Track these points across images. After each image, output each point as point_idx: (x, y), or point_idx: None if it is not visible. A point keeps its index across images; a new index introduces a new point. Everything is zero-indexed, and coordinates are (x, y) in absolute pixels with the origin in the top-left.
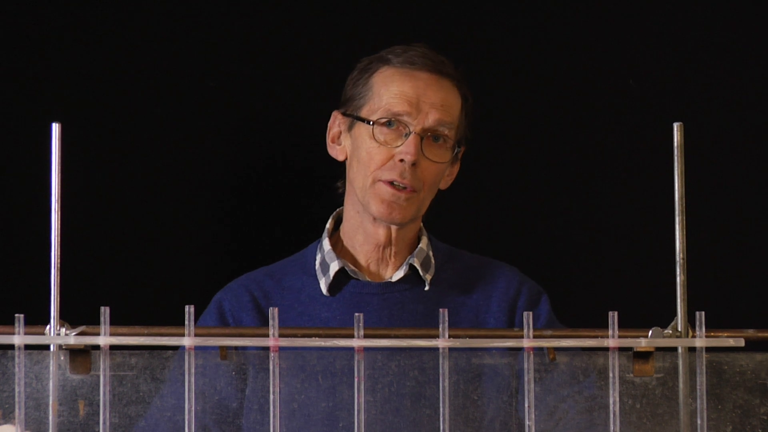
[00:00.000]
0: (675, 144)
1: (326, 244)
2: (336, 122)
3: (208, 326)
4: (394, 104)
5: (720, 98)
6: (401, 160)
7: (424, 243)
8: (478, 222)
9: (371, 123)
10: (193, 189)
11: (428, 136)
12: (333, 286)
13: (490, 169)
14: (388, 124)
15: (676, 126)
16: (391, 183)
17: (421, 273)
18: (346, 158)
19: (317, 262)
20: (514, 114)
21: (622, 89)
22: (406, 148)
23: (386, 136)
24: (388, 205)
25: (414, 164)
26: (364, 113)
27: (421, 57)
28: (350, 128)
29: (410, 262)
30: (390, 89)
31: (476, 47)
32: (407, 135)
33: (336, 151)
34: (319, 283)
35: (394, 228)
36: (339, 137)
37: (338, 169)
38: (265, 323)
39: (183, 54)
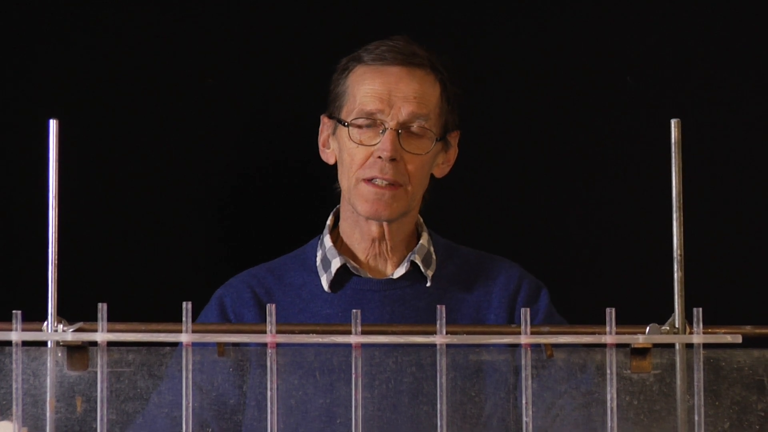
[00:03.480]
0: (672, 140)
1: (327, 240)
2: (324, 126)
3: (205, 323)
4: (367, 102)
5: (718, 95)
6: (379, 157)
7: (424, 239)
8: (477, 218)
9: (346, 124)
10: (192, 186)
11: (406, 129)
12: (334, 283)
13: (489, 165)
14: (366, 123)
15: (673, 122)
16: (372, 181)
17: (422, 269)
18: (336, 161)
19: (318, 259)
20: (513, 111)
21: (620, 86)
22: (382, 145)
23: (363, 135)
24: (372, 203)
25: (394, 160)
26: (343, 114)
27: (391, 51)
28: (334, 131)
29: (411, 258)
30: (362, 88)
31: (475, 45)
32: (384, 131)
33: (326, 155)
34: (320, 280)
35: (385, 222)
36: (328, 141)
37: (336, 167)
38: (266, 319)
39: (182, 51)
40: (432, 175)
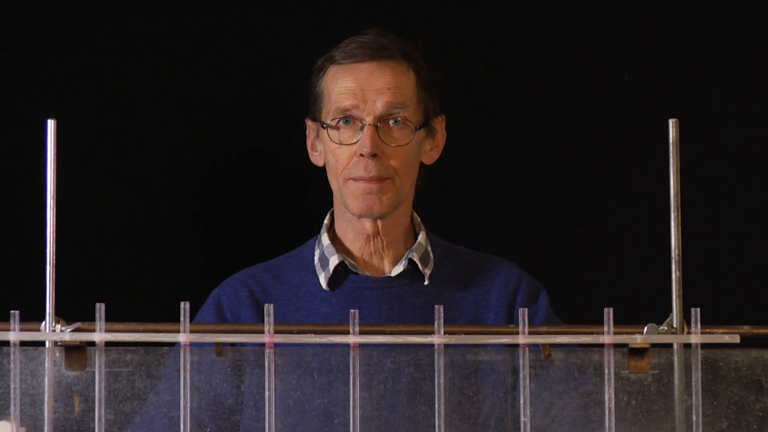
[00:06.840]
0: (670, 140)
1: (325, 238)
2: (309, 130)
3: (203, 323)
4: (341, 100)
5: (716, 94)
6: (362, 155)
7: (422, 238)
8: (475, 218)
9: (325, 126)
10: (190, 185)
11: (385, 123)
12: (332, 281)
13: (487, 165)
14: (344, 121)
15: (671, 122)
16: (361, 178)
17: (420, 267)
18: (325, 163)
19: (316, 257)
20: (511, 110)
21: (618, 85)
22: (362, 142)
23: (342, 135)
24: (363, 200)
25: (376, 155)
26: (323, 116)
27: (360, 47)
28: (318, 134)
29: (409, 256)
30: (336, 87)
31: (473, 44)
32: (362, 128)
33: (315, 158)
34: (318, 279)
35: (378, 219)
36: (314, 144)
37: (325, 169)
38: (263, 319)
39: (180, 50)
40: (425, 165)
